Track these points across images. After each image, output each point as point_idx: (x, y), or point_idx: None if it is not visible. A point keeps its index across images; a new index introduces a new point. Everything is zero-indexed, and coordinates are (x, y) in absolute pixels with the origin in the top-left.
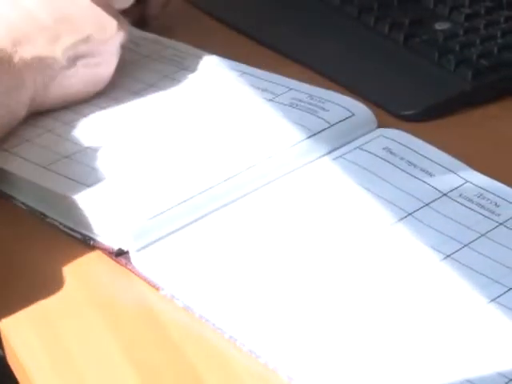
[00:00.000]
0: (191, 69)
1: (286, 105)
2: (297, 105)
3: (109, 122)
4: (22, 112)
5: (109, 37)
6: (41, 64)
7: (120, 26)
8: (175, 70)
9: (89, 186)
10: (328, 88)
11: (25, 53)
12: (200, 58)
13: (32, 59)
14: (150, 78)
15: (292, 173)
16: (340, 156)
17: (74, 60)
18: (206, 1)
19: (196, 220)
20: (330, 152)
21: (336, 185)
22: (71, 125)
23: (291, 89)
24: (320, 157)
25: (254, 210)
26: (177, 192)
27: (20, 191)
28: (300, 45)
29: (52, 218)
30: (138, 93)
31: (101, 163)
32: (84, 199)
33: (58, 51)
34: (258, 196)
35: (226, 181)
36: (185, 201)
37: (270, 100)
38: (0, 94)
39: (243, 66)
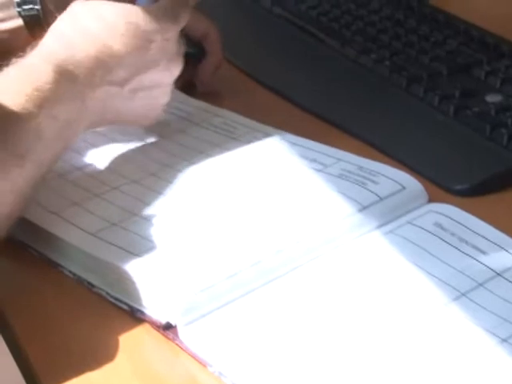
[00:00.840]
0: (240, 138)
1: (335, 176)
2: (346, 176)
3: (158, 188)
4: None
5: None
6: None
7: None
8: (225, 140)
9: (137, 255)
10: (377, 160)
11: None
12: (249, 127)
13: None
14: (200, 146)
15: (341, 247)
16: (390, 231)
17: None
18: (253, 67)
19: (245, 294)
20: (379, 226)
21: (386, 260)
22: (120, 190)
23: (340, 160)
24: (370, 231)
25: (302, 284)
26: (226, 266)
27: (67, 258)
28: (349, 115)
29: (99, 288)
30: (188, 160)
31: (150, 232)
32: (132, 270)
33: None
34: (306, 270)
35: (274, 255)
36: (234, 275)
37: (319, 171)
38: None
39: (292, 136)
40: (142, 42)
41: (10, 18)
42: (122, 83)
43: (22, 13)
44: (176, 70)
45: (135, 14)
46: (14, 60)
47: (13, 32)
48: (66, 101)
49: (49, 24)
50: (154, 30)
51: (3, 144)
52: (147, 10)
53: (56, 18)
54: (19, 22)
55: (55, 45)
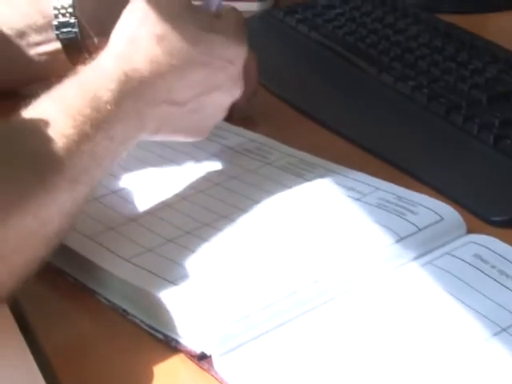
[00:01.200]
0: (275, 164)
1: (372, 205)
2: (384, 206)
3: (194, 214)
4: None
5: (241, 57)
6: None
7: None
8: (259, 165)
9: (173, 283)
10: (414, 188)
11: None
12: (284, 152)
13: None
14: (234, 171)
15: (378, 278)
16: (429, 262)
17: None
18: (289, 93)
19: (281, 325)
20: (417, 257)
21: (424, 292)
22: (156, 215)
23: (378, 189)
24: (407, 262)
25: (338, 316)
26: (262, 296)
27: (102, 284)
28: (386, 142)
29: (134, 316)
30: (220, 185)
31: (186, 259)
32: (168, 298)
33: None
34: (343, 302)
35: (311, 285)
36: (270, 305)
37: (357, 200)
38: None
39: (329, 163)
40: (208, 64)
41: (49, 40)
42: (183, 103)
43: (61, 36)
44: (237, 92)
45: (202, 35)
46: (69, 78)
47: (51, 55)
48: (124, 120)
49: (87, 47)
50: (222, 53)
51: (57, 167)
52: (214, 32)
53: (94, 41)
54: (57, 45)
55: (118, 62)
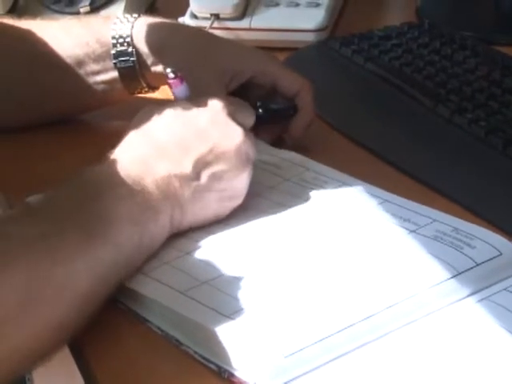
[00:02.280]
0: (331, 194)
1: (429, 237)
2: (441, 238)
3: (247, 244)
4: (162, 237)
5: (234, 145)
6: (173, 182)
7: (248, 136)
8: (315, 194)
9: (227, 316)
10: (470, 221)
11: (157, 171)
12: (341, 182)
13: (163, 177)
14: (289, 201)
15: (434, 314)
16: (486, 298)
17: (207, 178)
18: (344, 124)
19: (334, 359)
20: (474, 293)
21: (481, 329)
22: (209, 248)
23: (435, 220)
24: (464, 297)
25: (393, 351)
26: (315, 329)
27: (156, 315)
28: (443, 175)
29: (187, 346)
30: (274, 214)
31: (240, 291)
32: (222, 331)
33: (187, 165)
34: (397, 337)
35: (365, 320)
36: (323, 339)
37: (413, 231)
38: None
39: (385, 193)
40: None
41: (106, 70)
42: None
43: (118, 65)
44: (247, 176)
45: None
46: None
47: (108, 84)
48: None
49: (144, 77)
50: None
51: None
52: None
53: (151, 71)
54: (115, 74)
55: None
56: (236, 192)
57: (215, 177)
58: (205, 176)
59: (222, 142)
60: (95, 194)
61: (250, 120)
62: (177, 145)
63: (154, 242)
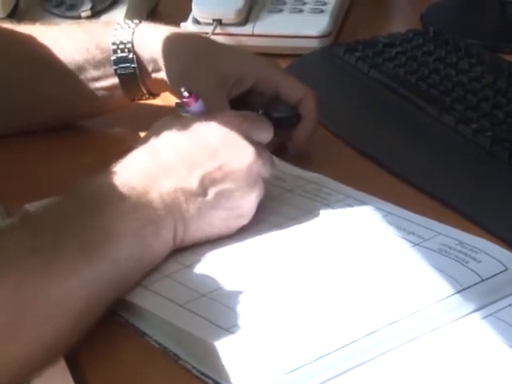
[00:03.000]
0: (334, 206)
1: (433, 251)
2: (446, 252)
3: (249, 257)
4: (163, 252)
5: (244, 164)
6: (178, 196)
7: (260, 154)
8: (318, 207)
9: (226, 329)
10: (476, 234)
11: (162, 185)
12: (344, 194)
13: (169, 192)
14: (292, 212)
15: (438, 330)
16: (491, 314)
17: (214, 195)
18: (347, 132)
19: (336, 376)
20: (479, 309)
21: (486, 346)
22: (210, 261)
23: (440, 233)
24: (468, 313)
25: (396, 368)
26: (317, 346)
27: (154, 328)
28: (445, 186)
29: (185, 361)
30: (278, 227)
31: (239, 304)
32: (221, 345)
33: (194, 180)
34: (400, 354)
35: (368, 335)
36: (325, 355)
37: (417, 244)
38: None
39: (388, 205)
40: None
41: (106, 76)
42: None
43: (119, 71)
44: (256, 196)
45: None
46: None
47: (108, 90)
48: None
49: (144, 83)
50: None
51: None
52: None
53: (152, 77)
54: (115, 80)
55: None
56: (243, 211)
57: (222, 195)
58: (211, 193)
59: (232, 160)
60: (96, 208)
61: (267, 135)
62: (184, 160)
63: (155, 257)
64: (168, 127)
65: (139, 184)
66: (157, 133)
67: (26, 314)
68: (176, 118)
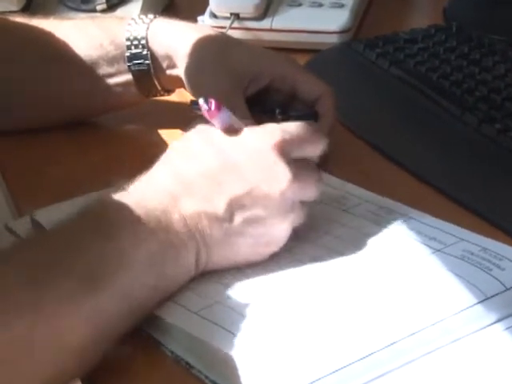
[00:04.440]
0: (353, 210)
1: (455, 257)
2: (468, 258)
3: (266, 267)
4: (182, 279)
5: (278, 190)
6: (202, 220)
7: (299, 177)
8: (335, 212)
9: (241, 338)
10: (499, 240)
11: (185, 207)
12: (361, 198)
13: (192, 214)
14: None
15: (459, 341)
16: None
17: (241, 221)
18: (366, 130)
19: None
20: (501, 319)
21: (508, 357)
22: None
23: (463, 239)
24: (491, 324)
25: (416, 380)
26: (331, 358)
27: (167, 336)
28: (469, 189)
29: (198, 370)
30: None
31: (255, 313)
32: (236, 355)
33: (220, 204)
34: (421, 365)
35: (386, 348)
36: (341, 369)
37: (438, 250)
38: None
39: (408, 209)
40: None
41: (120, 72)
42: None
43: (132, 67)
44: (289, 224)
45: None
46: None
47: (122, 86)
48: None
49: (158, 80)
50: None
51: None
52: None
53: (166, 74)
54: (129, 76)
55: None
56: (274, 239)
57: (250, 221)
58: (239, 219)
59: (264, 184)
60: (108, 231)
61: (314, 150)
62: (210, 181)
63: (172, 284)
64: (196, 140)
65: (160, 205)
66: (183, 146)
67: (14, 355)
68: (207, 127)
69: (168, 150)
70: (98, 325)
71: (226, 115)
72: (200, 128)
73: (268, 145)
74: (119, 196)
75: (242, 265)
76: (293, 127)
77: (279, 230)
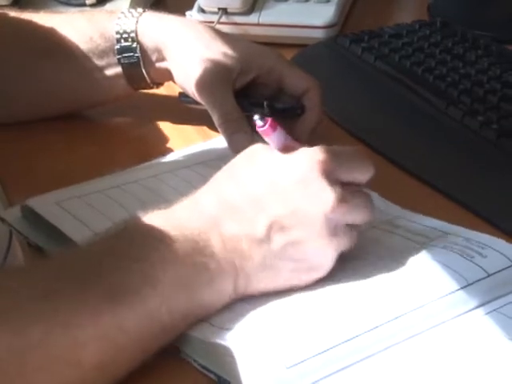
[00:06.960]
0: None
1: (439, 247)
2: (451, 248)
3: None
4: (218, 303)
5: (321, 212)
6: (241, 243)
7: (345, 200)
8: None
9: (227, 328)
10: (483, 230)
11: (226, 230)
12: None
13: (231, 237)
14: None
15: (442, 325)
16: (495, 309)
17: (281, 243)
18: (352, 123)
19: (337, 371)
20: (483, 304)
21: (490, 341)
22: None
23: (447, 233)
24: (472, 309)
25: (398, 364)
26: (318, 341)
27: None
28: (451, 180)
29: (186, 354)
30: None
31: (238, 302)
32: (221, 341)
33: (260, 225)
34: (403, 349)
35: (370, 331)
36: (327, 350)
37: (423, 243)
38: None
39: (393, 206)
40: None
41: (110, 65)
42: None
43: (122, 60)
44: (334, 248)
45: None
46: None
47: (111, 79)
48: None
49: (148, 73)
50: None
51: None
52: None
53: (155, 67)
54: (118, 69)
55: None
56: (316, 264)
57: (291, 244)
58: (279, 241)
59: (307, 206)
60: (138, 252)
61: (363, 176)
62: (252, 202)
63: (206, 309)
64: (244, 164)
65: (200, 227)
66: (231, 170)
67: (24, 364)
68: (257, 150)
69: (217, 174)
70: (118, 342)
71: (281, 135)
72: (249, 151)
73: (315, 167)
74: (155, 217)
75: (285, 289)
76: (342, 150)
77: (322, 255)
